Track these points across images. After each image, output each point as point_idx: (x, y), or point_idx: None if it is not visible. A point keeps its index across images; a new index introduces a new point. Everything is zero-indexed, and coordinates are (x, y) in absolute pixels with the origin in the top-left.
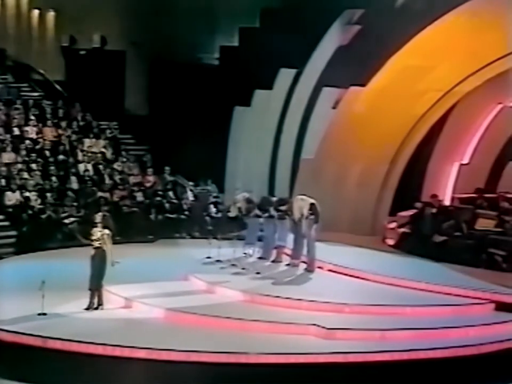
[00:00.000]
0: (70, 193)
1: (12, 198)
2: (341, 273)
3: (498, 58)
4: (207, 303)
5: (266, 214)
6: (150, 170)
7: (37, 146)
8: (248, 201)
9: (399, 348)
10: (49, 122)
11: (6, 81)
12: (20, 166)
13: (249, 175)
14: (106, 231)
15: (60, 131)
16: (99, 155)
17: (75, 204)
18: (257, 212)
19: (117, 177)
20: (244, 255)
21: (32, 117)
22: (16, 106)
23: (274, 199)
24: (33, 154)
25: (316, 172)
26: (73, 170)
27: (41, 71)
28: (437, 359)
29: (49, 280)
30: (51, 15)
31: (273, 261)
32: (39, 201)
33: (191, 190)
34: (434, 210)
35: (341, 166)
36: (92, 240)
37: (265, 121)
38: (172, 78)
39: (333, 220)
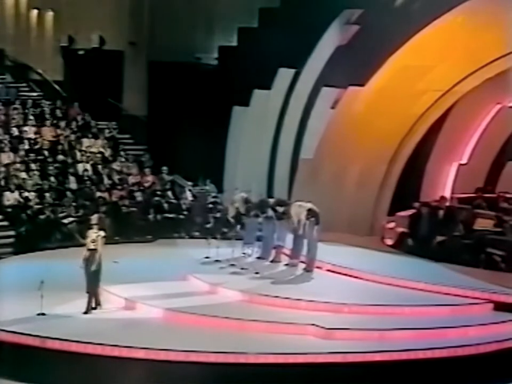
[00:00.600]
0: (68, 193)
1: (10, 198)
2: (339, 273)
3: (497, 59)
4: (206, 303)
5: (265, 215)
6: (148, 170)
7: (36, 146)
8: (246, 201)
9: (398, 347)
10: (47, 122)
11: (4, 81)
12: (18, 166)
13: (248, 175)
14: (102, 233)
15: (59, 131)
16: (98, 155)
17: (74, 203)
18: (255, 212)
19: (116, 177)
20: (243, 255)
21: (31, 117)
22: (15, 106)
23: (271, 200)
24: (31, 154)
25: (314, 172)
26: (71, 170)
27: (40, 71)
28: (435, 359)
29: (48, 280)
30: (50, 15)
31: (272, 261)
32: (37, 201)
33: (189, 190)
34: (441, 212)
35: (340, 166)
36: (87, 242)
37: (264, 121)
38: (171, 78)
39: (331, 220)
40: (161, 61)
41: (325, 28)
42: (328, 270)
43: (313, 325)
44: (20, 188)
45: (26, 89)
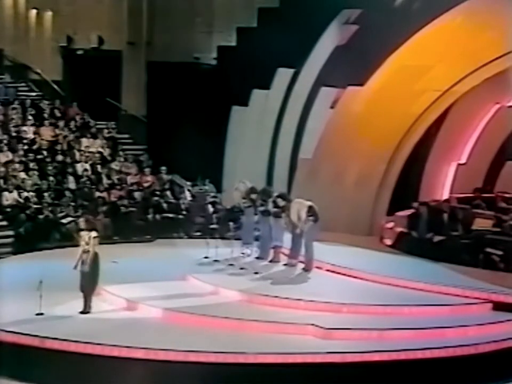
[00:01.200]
0: (67, 193)
1: (9, 198)
2: (338, 273)
3: (496, 58)
4: (205, 303)
5: (263, 208)
6: (147, 170)
7: (35, 146)
8: (253, 190)
9: (397, 347)
10: (46, 122)
11: (3, 81)
12: (17, 166)
13: (247, 174)
14: (93, 233)
15: (58, 131)
16: (96, 155)
17: (72, 203)
18: (260, 200)
19: (115, 177)
20: (242, 255)
21: (30, 117)
22: (14, 106)
23: (274, 193)
24: (30, 154)
25: (313, 172)
26: (70, 170)
27: (39, 71)
28: (434, 359)
29: (46, 280)
30: (48, 15)
31: (271, 261)
32: (36, 201)
33: (188, 190)
34: (446, 215)
35: (339, 165)
36: (81, 244)
37: (263, 121)
38: (170, 77)
39: (330, 219)
40: (160, 61)
41: (324, 28)
42: (328, 270)
43: (312, 325)
44: (19, 187)
45: (25, 89)
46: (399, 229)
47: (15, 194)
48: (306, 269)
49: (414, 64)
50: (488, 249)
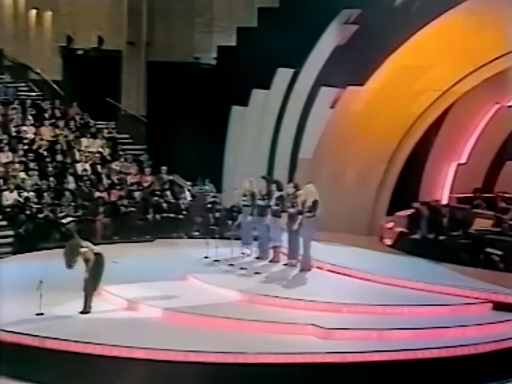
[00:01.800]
0: (67, 193)
1: (9, 198)
2: (339, 273)
3: (496, 58)
4: (205, 303)
5: (263, 203)
6: (147, 170)
7: (34, 146)
8: (267, 180)
9: (397, 347)
10: (46, 122)
11: (3, 81)
12: (17, 166)
13: (247, 174)
14: (87, 246)
15: (57, 131)
16: (96, 155)
17: (72, 203)
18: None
19: (115, 177)
20: (242, 255)
21: (30, 117)
22: (14, 106)
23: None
24: (30, 154)
25: (313, 172)
26: (70, 170)
27: (39, 71)
28: (434, 359)
29: (46, 280)
30: (48, 14)
31: (271, 261)
32: (36, 201)
33: (188, 190)
34: (445, 219)
35: (339, 165)
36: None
37: (262, 121)
38: (170, 77)
39: (330, 219)
40: (160, 61)
41: (324, 28)
42: (328, 270)
43: (312, 324)
44: (19, 187)
45: (25, 89)
46: (399, 229)
47: (15, 194)
48: (302, 269)
49: (414, 64)
50: (488, 249)
